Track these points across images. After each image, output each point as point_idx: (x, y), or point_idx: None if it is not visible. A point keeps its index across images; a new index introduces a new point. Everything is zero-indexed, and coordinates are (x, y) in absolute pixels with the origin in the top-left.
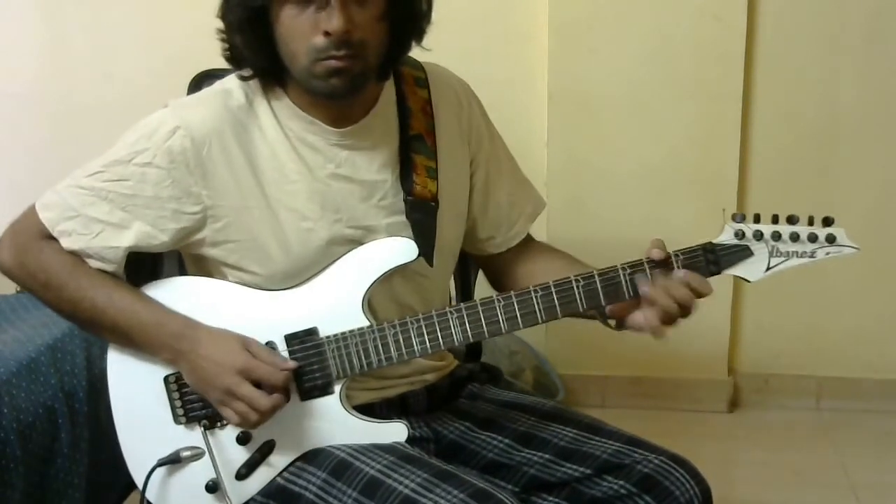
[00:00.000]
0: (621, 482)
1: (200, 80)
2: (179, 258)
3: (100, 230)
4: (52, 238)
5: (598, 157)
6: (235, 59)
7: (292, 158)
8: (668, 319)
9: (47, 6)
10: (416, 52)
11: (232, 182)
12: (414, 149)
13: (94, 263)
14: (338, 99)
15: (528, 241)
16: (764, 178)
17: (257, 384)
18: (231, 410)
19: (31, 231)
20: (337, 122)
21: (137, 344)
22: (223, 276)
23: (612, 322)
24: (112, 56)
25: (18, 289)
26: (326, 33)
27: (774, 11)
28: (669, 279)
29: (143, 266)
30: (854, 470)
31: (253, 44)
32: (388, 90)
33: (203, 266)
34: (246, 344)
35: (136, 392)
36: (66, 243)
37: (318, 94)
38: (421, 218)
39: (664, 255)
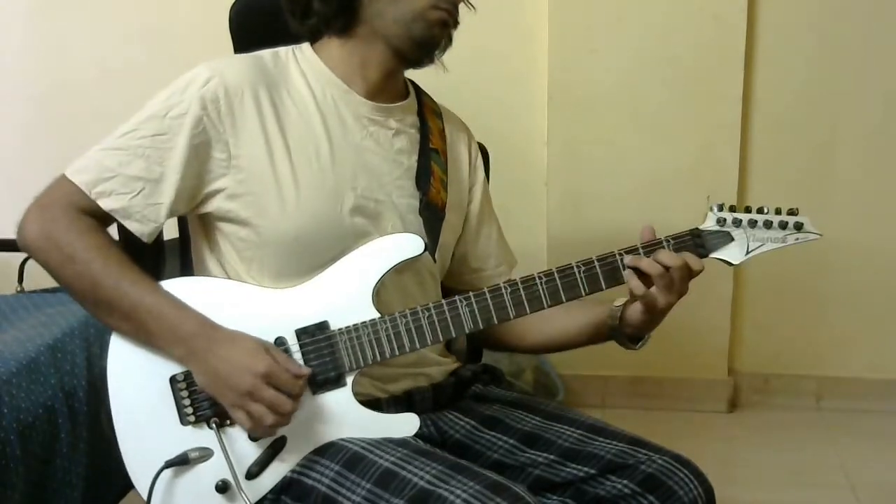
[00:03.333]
0: (625, 482)
1: None
2: (181, 257)
3: (141, 187)
4: (82, 210)
5: (598, 157)
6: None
7: (320, 121)
8: (666, 287)
9: (47, 4)
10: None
11: (259, 134)
12: (433, 159)
13: (132, 226)
14: (424, 51)
15: None
16: (764, 179)
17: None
18: (244, 413)
19: (62, 202)
20: (371, 95)
21: (150, 335)
22: (231, 243)
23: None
24: (112, 56)
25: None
26: None
27: (774, 11)
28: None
29: (146, 263)
30: (854, 470)
31: None
32: (412, 99)
33: (211, 233)
34: (267, 348)
35: (138, 395)
36: (105, 204)
37: (408, 40)
38: (431, 218)
39: (656, 237)
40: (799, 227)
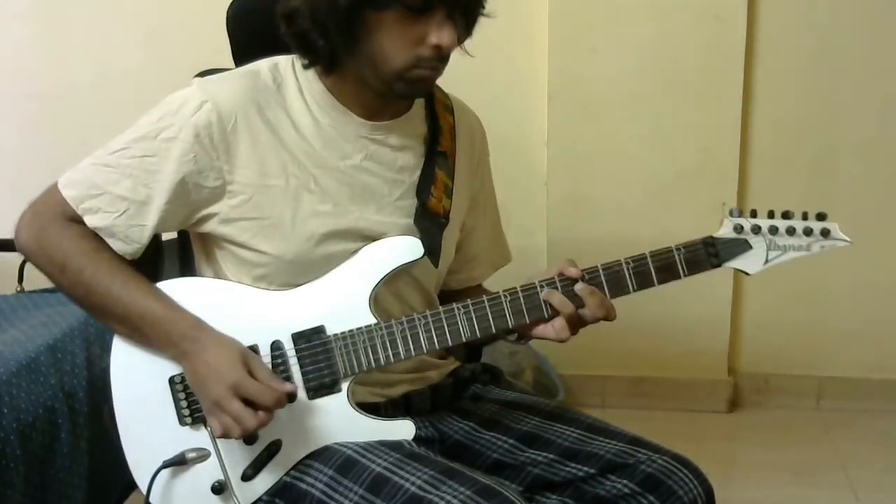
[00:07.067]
0: (625, 481)
1: None
2: (181, 257)
3: (125, 208)
4: (73, 219)
5: (598, 157)
6: (304, 43)
7: (319, 144)
8: (574, 326)
9: (47, 5)
10: None
11: (254, 159)
12: (438, 164)
13: (115, 244)
14: (412, 99)
15: (481, 288)
16: (764, 178)
17: (248, 401)
18: (216, 422)
19: (53, 211)
20: (370, 116)
21: (145, 337)
22: (229, 259)
23: (512, 337)
24: (111, 56)
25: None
26: (436, 46)
27: (774, 11)
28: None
29: (144, 263)
30: (854, 470)
31: (340, 35)
32: (419, 103)
33: (210, 248)
34: (246, 358)
35: (139, 394)
36: (90, 221)
37: (392, 94)
38: (429, 227)
39: (578, 272)
40: (826, 233)
